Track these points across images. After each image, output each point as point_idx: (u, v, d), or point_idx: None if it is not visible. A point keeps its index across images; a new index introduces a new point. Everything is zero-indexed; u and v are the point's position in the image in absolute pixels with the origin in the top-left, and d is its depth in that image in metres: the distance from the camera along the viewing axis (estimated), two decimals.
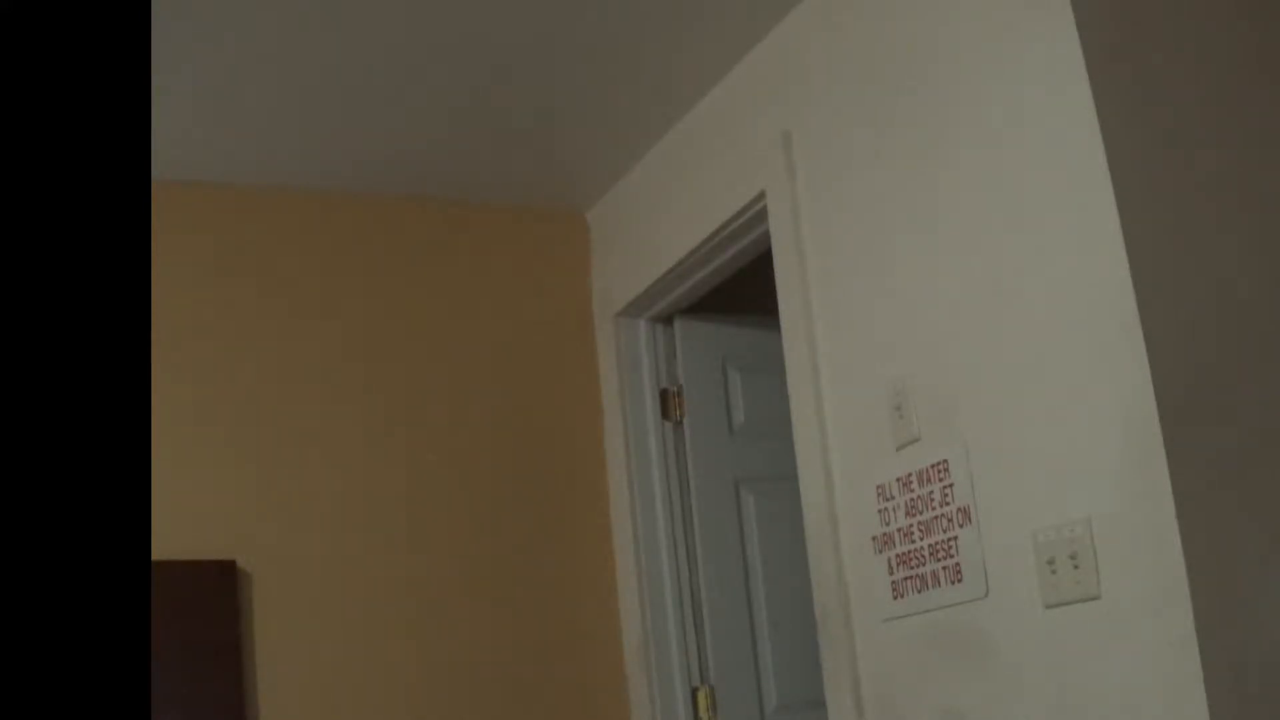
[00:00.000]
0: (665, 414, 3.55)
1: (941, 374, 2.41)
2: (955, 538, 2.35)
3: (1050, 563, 2.13)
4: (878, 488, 2.55)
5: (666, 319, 3.59)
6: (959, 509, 2.34)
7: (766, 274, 2.94)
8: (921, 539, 2.43)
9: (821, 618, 2.72)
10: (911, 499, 2.46)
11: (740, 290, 3.41)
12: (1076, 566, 2.08)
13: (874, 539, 2.56)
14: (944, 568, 2.37)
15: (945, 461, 2.38)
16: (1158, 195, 2.09)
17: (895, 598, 2.50)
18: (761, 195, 2.94)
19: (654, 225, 3.40)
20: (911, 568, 2.46)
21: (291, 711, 3.12)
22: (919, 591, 2.44)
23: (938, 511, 2.39)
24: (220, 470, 3.21)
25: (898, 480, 2.49)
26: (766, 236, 2.96)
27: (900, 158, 2.53)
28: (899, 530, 2.49)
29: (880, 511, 2.54)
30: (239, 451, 3.24)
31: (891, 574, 2.51)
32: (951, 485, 2.36)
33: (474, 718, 3.28)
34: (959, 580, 2.34)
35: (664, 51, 2.97)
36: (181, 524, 3.07)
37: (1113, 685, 2.03)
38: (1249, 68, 2.28)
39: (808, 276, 2.80)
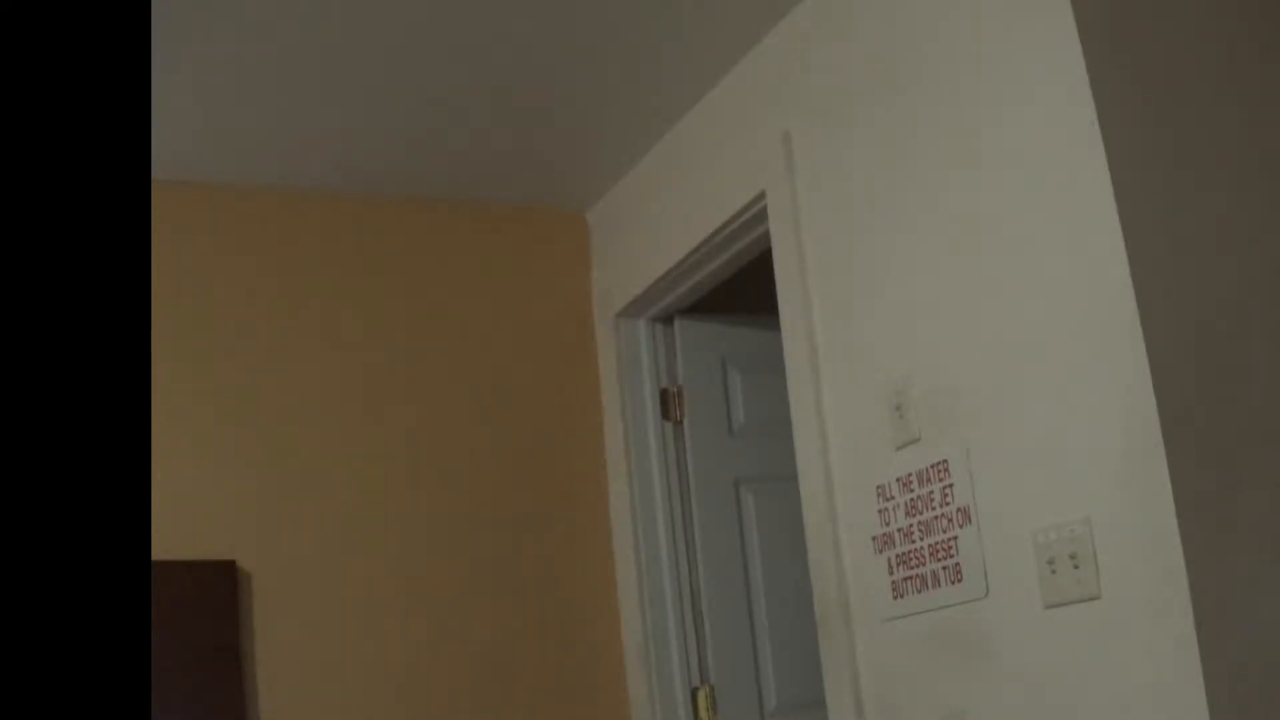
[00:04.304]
0: (665, 414, 3.55)
1: (941, 374, 2.41)
2: (955, 538, 2.35)
3: (1050, 563, 2.13)
4: (878, 488, 2.55)
5: (666, 319, 3.59)
6: (959, 509, 2.34)
7: (766, 274, 2.94)
8: (921, 539, 2.43)
9: (821, 618, 2.72)
10: (911, 499, 2.46)
11: (740, 290, 3.41)
12: (1076, 566, 2.08)
13: (874, 539, 2.56)
14: (944, 568, 2.37)
15: (945, 461, 2.38)
16: (1158, 195, 2.09)
17: (895, 598, 2.50)
18: (761, 195, 2.94)
19: (654, 225, 3.40)
20: (911, 568, 2.46)
21: (291, 711, 3.12)
22: (919, 591, 2.44)
23: (938, 511, 2.39)
24: (220, 470, 3.21)
25: (898, 480, 2.49)
26: (766, 236, 2.96)
27: (900, 157, 2.53)
28: (899, 530, 2.49)
29: (880, 511, 2.54)
30: (239, 451, 3.24)
31: (891, 574, 2.51)
32: (951, 485, 2.36)
33: (474, 718, 3.28)
34: (959, 580, 2.34)
35: (664, 51, 2.98)
36: (181, 524, 3.07)
37: (1113, 685, 2.03)
38: (1250, 66, 2.28)
39: (808, 276, 2.80)
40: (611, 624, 3.49)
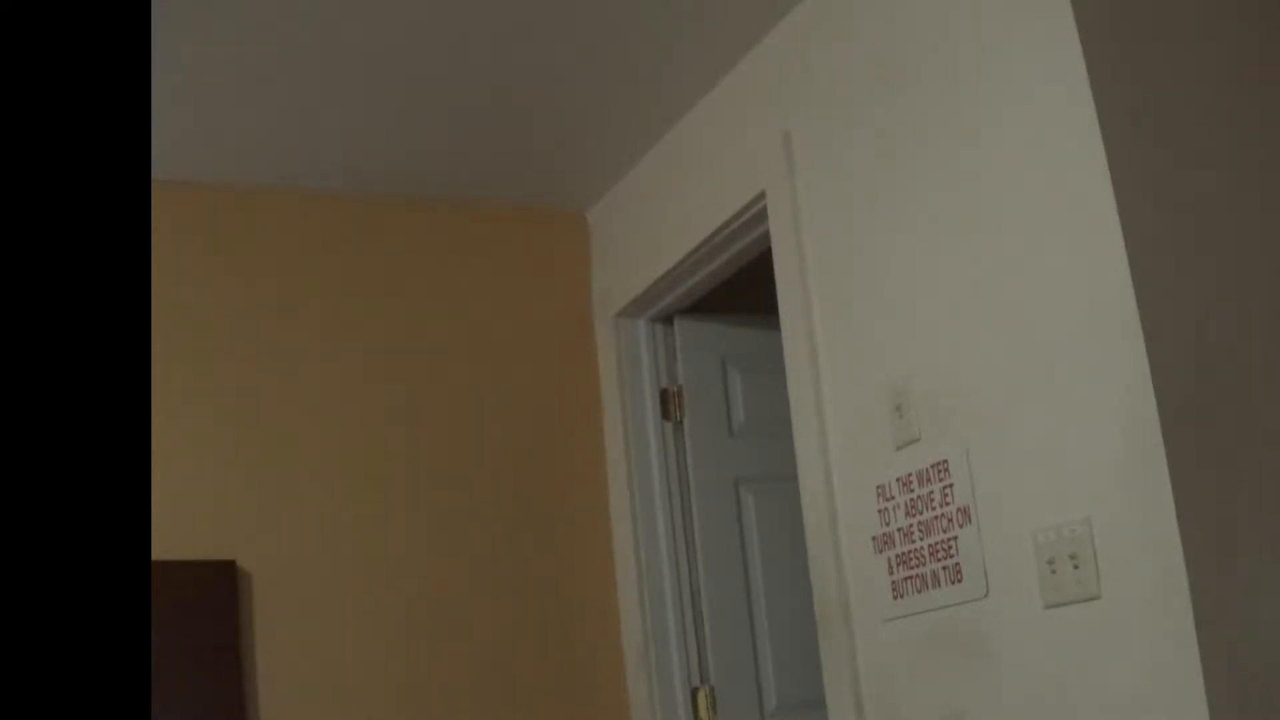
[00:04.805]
0: (665, 414, 3.55)
1: (941, 374, 2.41)
2: (955, 538, 2.35)
3: (1050, 563, 2.13)
4: (878, 488, 2.55)
5: (666, 319, 3.59)
6: (959, 509, 2.34)
7: (766, 274, 2.94)
8: (921, 539, 2.43)
9: (821, 618, 2.72)
10: (911, 499, 2.46)
11: (740, 290, 3.41)
12: (1076, 566, 2.08)
13: (874, 539, 2.56)
14: (944, 568, 2.37)
15: (945, 461, 2.38)
16: (1158, 195, 2.09)
17: (895, 598, 2.50)
18: (761, 195, 2.94)
19: (654, 225, 3.40)
20: (911, 568, 2.46)
21: (291, 711, 3.12)
22: (919, 591, 2.44)
23: (938, 511, 2.39)
24: (220, 470, 3.21)
25: (898, 480, 2.49)
26: (766, 236, 2.96)
27: (900, 157, 2.53)
28: (899, 530, 2.49)
29: (880, 511, 2.54)
30: (239, 452, 3.24)
31: (891, 574, 2.51)
32: (951, 485, 2.36)
33: (474, 718, 3.28)
34: (959, 580, 2.34)
35: (664, 52, 2.98)
36: (181, 524, 3.07)
37: (1113, 685, 2.03)
38: (1250, 66, 2.28)
39: (808, 276, 2.80)
40: (611, 624, 3.49)
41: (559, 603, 3.44)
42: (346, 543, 3.28)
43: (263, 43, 2.78)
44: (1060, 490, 2.13)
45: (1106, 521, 2.05)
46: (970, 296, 2.34)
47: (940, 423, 2.41)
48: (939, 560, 2.39)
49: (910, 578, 2.46)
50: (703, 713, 3.37)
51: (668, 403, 3.56)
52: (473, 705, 3.29)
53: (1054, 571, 2.12)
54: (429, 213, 3.58)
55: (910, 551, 2.46)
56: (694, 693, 3.39)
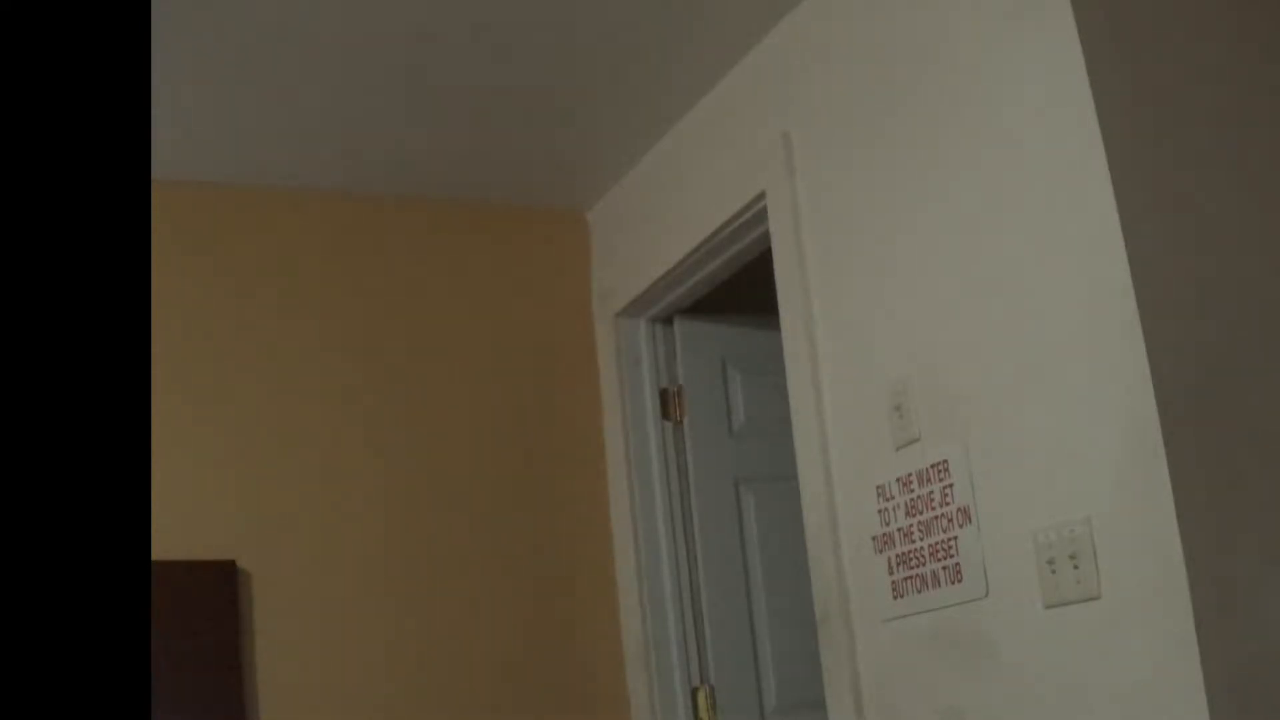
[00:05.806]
0: (665, 414, 3.55)
1: (941, 374, 2.41)
2: (955, 538, 2.35)
3: (1050, 563, 2.13)
4: (878, 488, 2.55)
5: (666, 319, 3.59)
6: (959, 509, 2.34)
7: (766, 274, 2.94)
8: (921, 539, 2.43)
9: (821, 618, 2.72)
10: (911, 499, 2.46)
11: (740, 290, 3.41)
12: (1076, 566, 2.08)
13: (874, 539, 2.56)
14: (944, 568, 2.37)
15: (945, 461, 2.38)
16: (1158, 195, 2.09)
17: (895, 598, 2.50)
18: (761, 195, 2.94)
19: (654, 225, 3.40)
20: (911, 568, 2.46)
21: (291, 711, 3.12)
22: (919, 591, 2.44)
23: (938, 511, 2.39)
24: (220, 470, 3.21)
25: (898, 480, 2.49)
26: (766, 236, 2.96)
27: (900, 157, 2.53)
28: (899, 530, 2.49)
29: (880, 511, 2.54)
30: (239, 452, 3.24)
31: (891, 574, 2.51)
32: (951, 485, 2.36)
33: (474, 717, 3.28)
34: (959, 580, 2.34)
35: (664, 51, 2.98)
36: (181, 524, 3.07)
37: (1113, 685, 2.03)
38: (1250, 66, 2.28)
39: (808, 276, 2.80)
40: (611, 624, 3.49)
41: (559, 602, 3.44)
42: (346, 543, 3.28)
43: (262, 42, 2.77)
44: (1060, 490, 2.13)
45: (1106, 521, 2.05)
46: (970, 296, 2.34)
47: (940, 423, 2.41)
48: (939, 560, 2.39)
49: (910, 578, 2.46)
50: (703, 712, 3.37)
51: (668, 402, 3.56)
52: (473, 704, 3.29)
53: (1054, 571, 2.12)
54: (429, 212, 3.58)
55: (910, 551, 2.46)
56: (694, 692, 3.39)
